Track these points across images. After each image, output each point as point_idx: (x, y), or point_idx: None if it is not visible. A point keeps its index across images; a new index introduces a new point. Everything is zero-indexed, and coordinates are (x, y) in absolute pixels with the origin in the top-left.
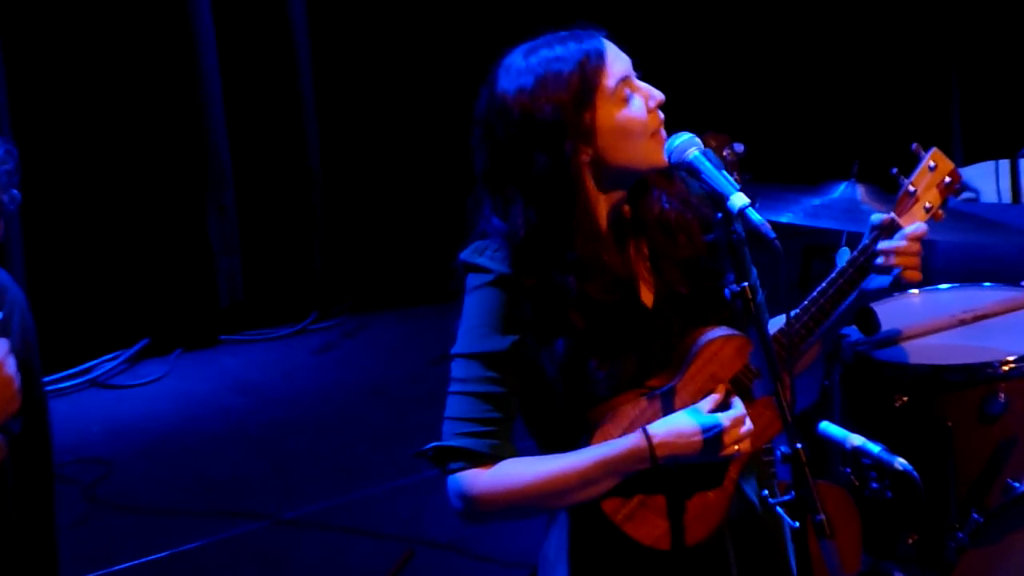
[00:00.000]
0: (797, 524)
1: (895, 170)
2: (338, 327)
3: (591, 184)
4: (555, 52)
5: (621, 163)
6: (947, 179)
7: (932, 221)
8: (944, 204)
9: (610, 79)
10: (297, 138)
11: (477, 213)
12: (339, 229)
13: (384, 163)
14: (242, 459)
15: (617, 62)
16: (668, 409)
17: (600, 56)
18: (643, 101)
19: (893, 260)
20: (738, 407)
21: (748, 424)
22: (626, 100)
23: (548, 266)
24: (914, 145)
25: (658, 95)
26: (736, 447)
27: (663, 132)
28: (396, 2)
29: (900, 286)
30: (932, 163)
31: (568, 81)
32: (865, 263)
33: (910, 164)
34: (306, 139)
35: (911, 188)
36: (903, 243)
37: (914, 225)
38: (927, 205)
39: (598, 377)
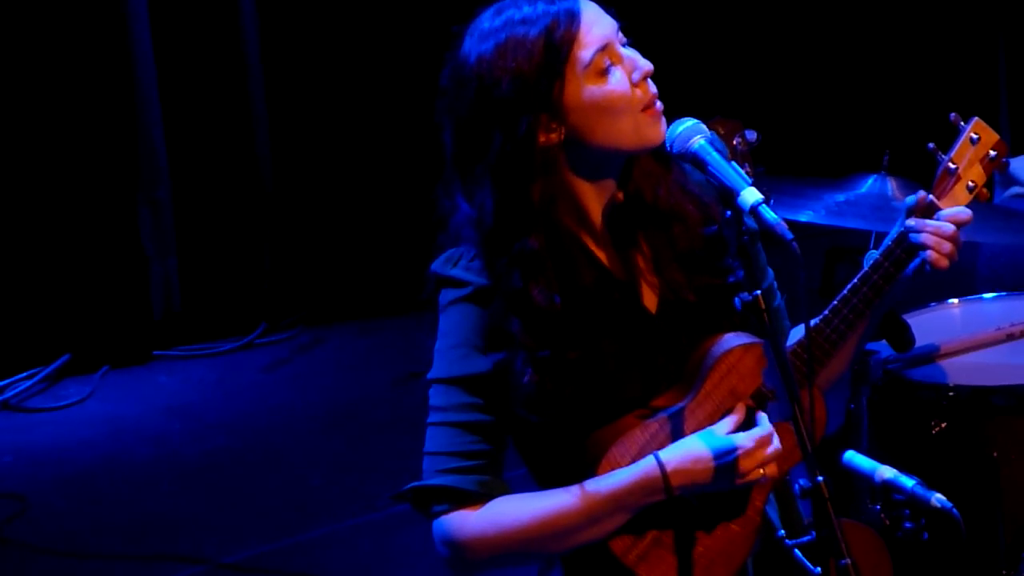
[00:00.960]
0: (819, 570)
1: (932, 145)
2: (289, 341)
3: (566, 168)
4: (522, 13)
5: (603, 143)
6: (992, 152)
7: (975, 204)
8: (990, 183)
9: (585, 48)
10: (243, 125)
11: (447, 197)
12: (291, 229)
13: (342, 153)
14: (178, 494)
15: (596, 27)
16: (682, 431)
17: (573, 19)
18: (625, 73)
19: (922, 239)
20: (764, 424)
21: (775, 443)
22: (604, 72)
23: (503, 257)
24: (953, 115)
25: (645, 65)
26: (761, 471)
27: (658, 105)
28: None
29: (924, 272)
30: (975, 135)
31: (531, 49)
32: (903, 254)
33: (949, 138)
34: (253, 126)
35: (951, 165)
36: (939, 223)
37: (955, 209)
38: (970, 184)
39: (598, 396)
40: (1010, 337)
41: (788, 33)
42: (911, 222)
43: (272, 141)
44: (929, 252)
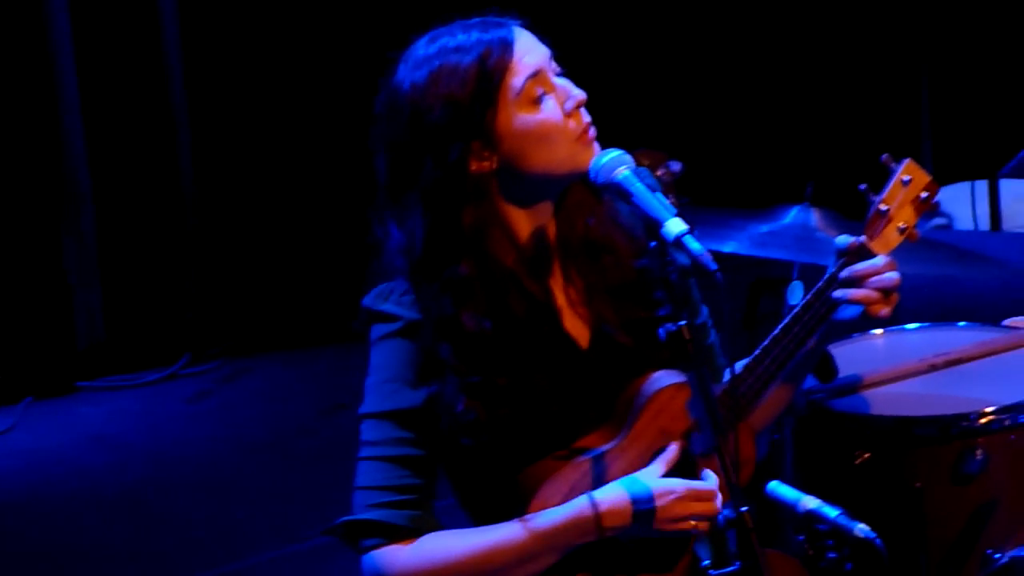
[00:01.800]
0: None
1: (864, 186)
2: (214, 372)
3: (498, 195)
4: (456, 41)
5: (536, 171)
6: (924, 194)
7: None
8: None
9: (517, 76)
10: (168, 154)
11: (379, 223)
12: (216, 259)
13: (267, 184)
14: (101, 527)
15: (528, 55)
16: (613, 471)
17: (506, 48)
18: (558, 102)
19: (856, 295)
20: (710, 480)
21: (717, 502)
22: (537, 100)
23: (434, 284)
24: (884, 156)
25: (578, 94)
26: (693, 523)
27: (592, 132)
28: (280, 7)
29: (866, 321)
30: (906, 176)
31: (464, 77)
32: (832, 295)
33: (880, 179)
34: (178, 156)
35: (883, 207)
36: (874, 267)
37: (871, 263)
38: (901, 225)
39: (529, 427)
40: (933, 368)
41: (712, 65)
42: (845, 272)
43: (196, 171)
44: (869, 307)
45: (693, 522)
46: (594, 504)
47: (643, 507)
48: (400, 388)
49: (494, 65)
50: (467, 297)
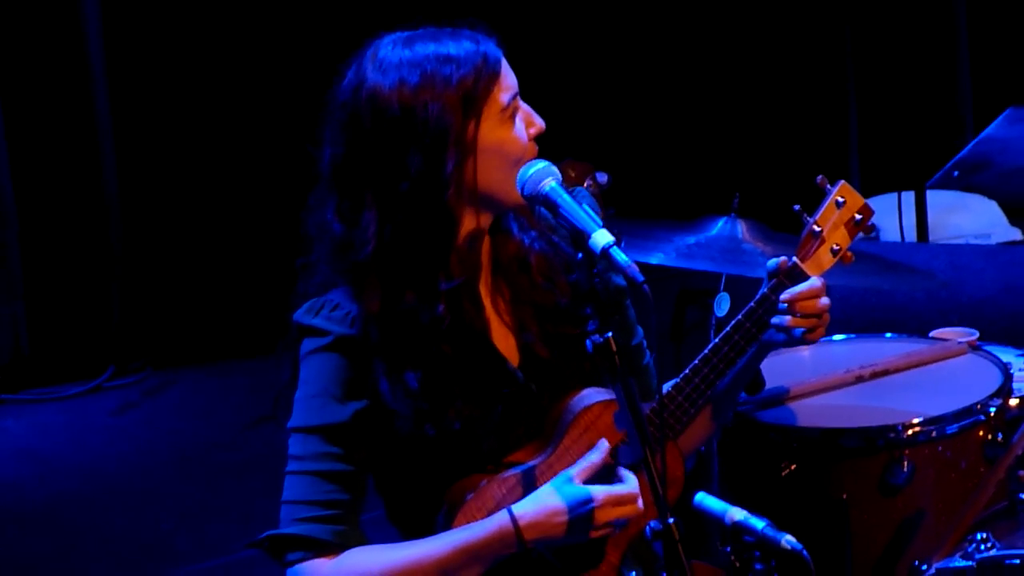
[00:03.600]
0: None
1: (797, 207)
2: (138, 384)
3: (453, 205)
4: (447, 49)
5: (490, 189)
6: (857, 216)
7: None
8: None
9: (504, 92)
10: (91, 165)
11: (317, 215)
12: (139, 271)
13: (191, 196)
14: (25, 539)
15: (510, 75)
16: (538, 487)
17: (497, 64)
18: (524, 125)
19: (794, 323)
20: (631, 483)
21: (639, 504)
22: (511, 118)
23: (405, 293)
24: (819, 178)
25: (540, 122)
26: (613, 528)
27: None
28: (208, 14)
29: (796, 341)
30: (840, 198)
31: (460, 83)
32: (764, 315)
33: (814, 200)
34: (102, 167)
35: (816, 228)
36: (812, 289)
37: (806, 285)
38: (835, 247)
39: (456, 444)
40: (859, 379)
41: (639, 76)
42: (779, 296)
43: (120, 184)
44: (805, 333)
45: (615, 527)
46: (515, 518)
47: (564, 517)
48: (328, 403)
49: (487, 79)
50: (402, 304)
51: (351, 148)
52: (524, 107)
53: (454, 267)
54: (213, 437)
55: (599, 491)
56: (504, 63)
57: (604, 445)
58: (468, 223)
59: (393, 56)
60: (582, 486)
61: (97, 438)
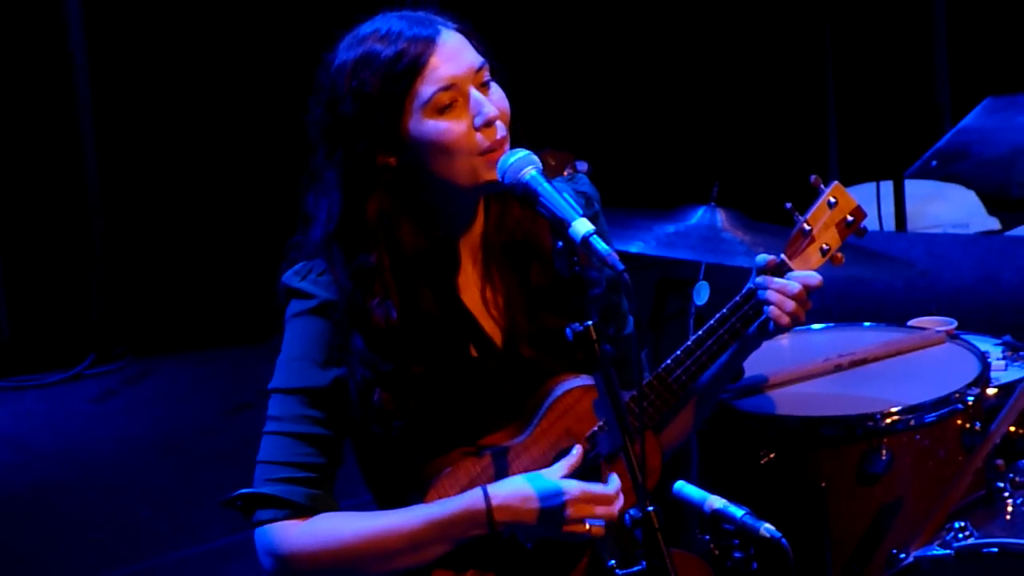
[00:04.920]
0: None
1: (789, 205)
2: (119, 372)
3: (416, 190)
4: (382, 32)
5: (439, 178)
6: (849, 218)
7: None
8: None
9: (427, 84)
10: (72, 154)
11: (308, 194)
12: (120, 258)
13: (173, 183)
14: (6, 525)
15: (447, 64)
16: (515, 468)
17: (424, 52)
18: (469, 115)
19: (767, 295)
20: (612, 484)
21: (615, 506)
22: (443, 111)
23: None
24: (813, 177)
25: (489, 111)
26: (587, 526)
27: (505, 150)
28: (188, 8)
29: (769, 332)
30: (832, 199)
31: (378, 73)
32: (750, 310)
33: (800, 193)
34: (83, 155)
35: (806, 226)
36: (785, 282)
37: (805, 273)
38: (824, 246)
39: (435, 421)
40: (838, 368)
41: (619, 65)
42: (759, 279)
43: (101, 170)
44: (772, 308)
45: (587, 525)
46: (487, 497)
47: (536, 504)
48: (310, 367)
49: (406, 68)
50: (374, 287)
51: (312, 129)
52: (473, 95)
53: (423, 247)
54: (194, 424)
55: (573, 486)
56: (441, 52)
57: (578, 449)
58: (438, 207)
59: (349, 37)
60: (558, 480)
61: (77, 425)
